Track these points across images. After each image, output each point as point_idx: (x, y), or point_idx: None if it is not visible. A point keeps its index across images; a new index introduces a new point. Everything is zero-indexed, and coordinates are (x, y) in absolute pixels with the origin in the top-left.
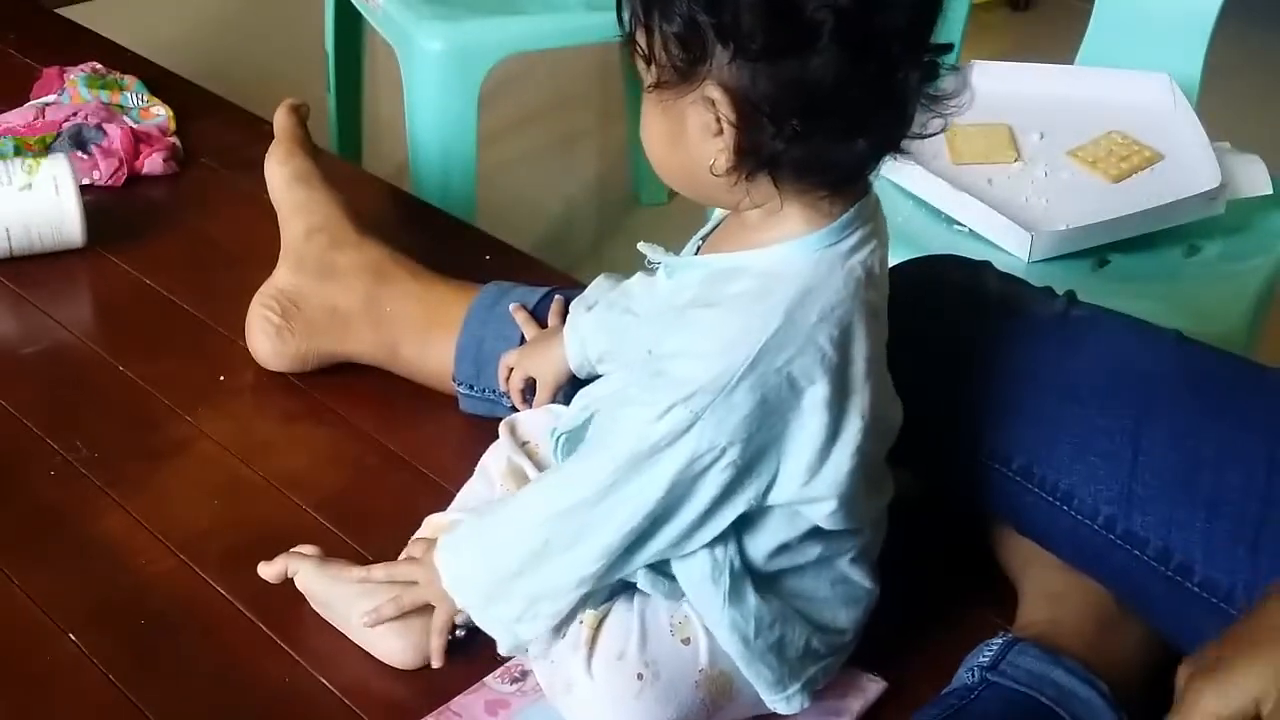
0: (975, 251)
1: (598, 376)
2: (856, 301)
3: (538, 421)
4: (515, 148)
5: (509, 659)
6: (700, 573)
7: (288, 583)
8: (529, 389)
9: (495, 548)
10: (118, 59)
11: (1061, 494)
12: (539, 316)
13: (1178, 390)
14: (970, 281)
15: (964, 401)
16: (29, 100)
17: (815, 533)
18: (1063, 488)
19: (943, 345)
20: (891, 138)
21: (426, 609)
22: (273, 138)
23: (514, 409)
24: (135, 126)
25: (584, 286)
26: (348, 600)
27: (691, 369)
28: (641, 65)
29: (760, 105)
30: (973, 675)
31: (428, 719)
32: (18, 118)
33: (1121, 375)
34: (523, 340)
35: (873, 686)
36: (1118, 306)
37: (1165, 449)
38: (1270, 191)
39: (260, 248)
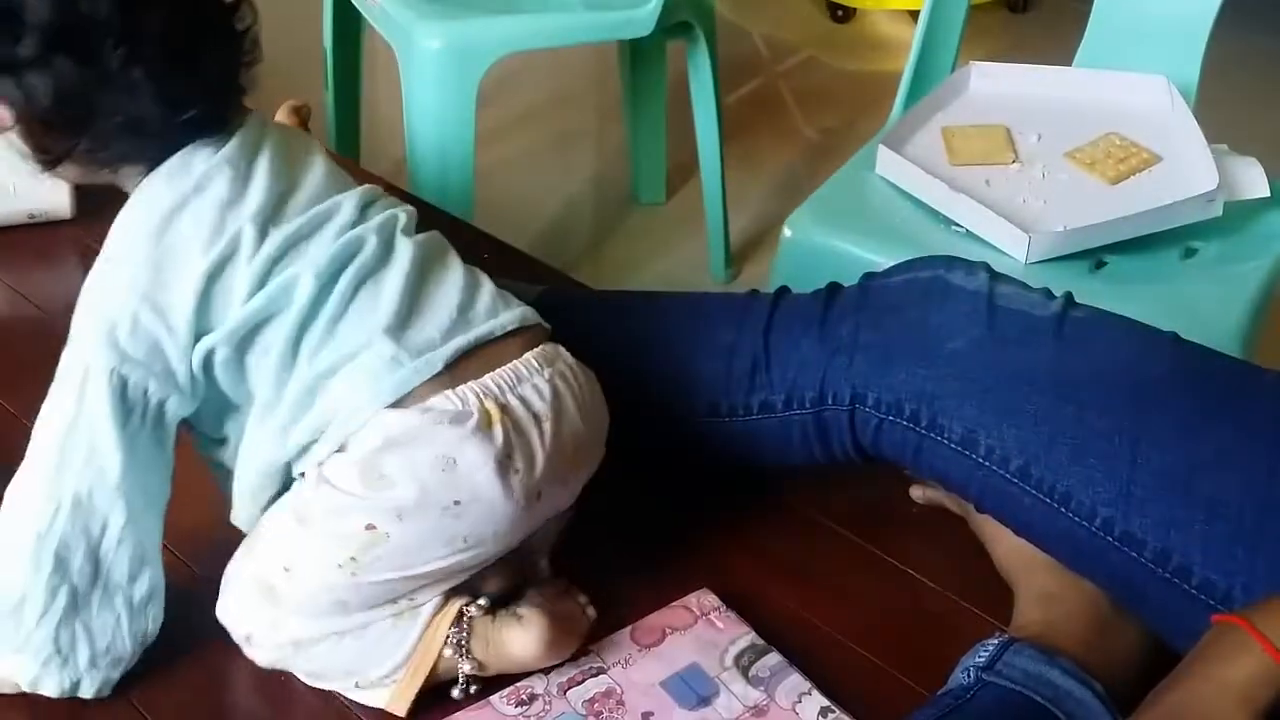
0: (973, 252)
1: None
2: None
3: None
4: (513, 146)
5: (517, 680)
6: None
7: None
8: None
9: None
10: None
11: (1059, 496)
12: None
13: (1176, 391)
14: (967, 282)
15: (959, 403)
16: None
17: None
18: (1060, 489)
19: (938, 347)
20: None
21: None
22: None
23: None
24: None
25: (578, 284)
26: None
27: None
28: None
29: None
30: (969, 675)
31: None
32: None
33: (1120, 376)
34: None
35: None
36: (1115, 308)
37: (1163, 451)
38: (1267, 194)
39: None
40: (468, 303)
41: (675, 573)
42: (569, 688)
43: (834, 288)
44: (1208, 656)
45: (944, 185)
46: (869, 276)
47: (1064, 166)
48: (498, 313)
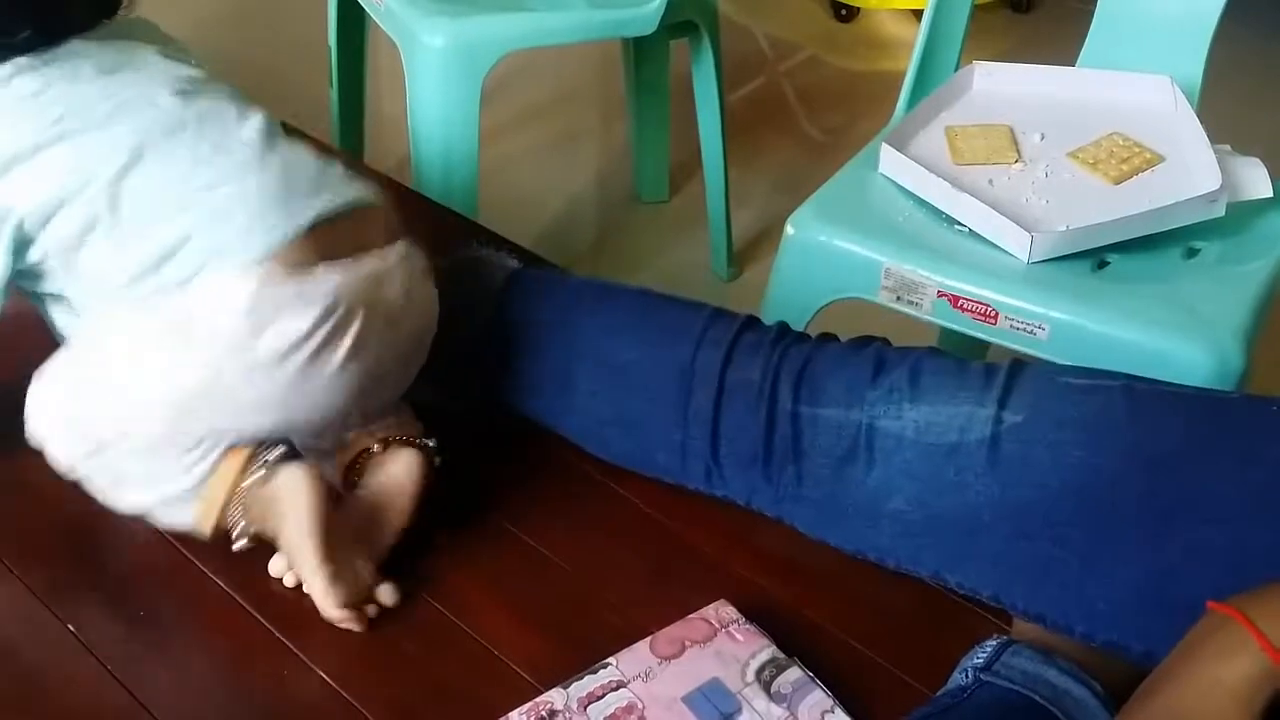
0: (975, 251)
1: None
2: None
3: None
4: (517, 144)
5: (537, 696)
6: None
7: None
8: None
9: None
10: None
11: (1034, 616)
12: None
13: (1130, 491)
14: (891, 422)
15: (915, 553)
16: None
17: None
18: (1033, 612)
19: (879, 507)
20: None
21: None
22: None
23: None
24: None
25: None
26: None
27: None
28: None
29: None
30: (967, 676)
31: None
32: None
33: (1067, 492)
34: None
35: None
36: (1117, 308)
37: (1126, 563)
38: (1270, 194)
39: None
40: (316, 176)
41: (680, 575)
42: (589, 702)
43: (783, 353)
44: (1203, 654)
45: (947, 184)
46: (814, 357)
47: (1067, 166)
48: (342, 188)
